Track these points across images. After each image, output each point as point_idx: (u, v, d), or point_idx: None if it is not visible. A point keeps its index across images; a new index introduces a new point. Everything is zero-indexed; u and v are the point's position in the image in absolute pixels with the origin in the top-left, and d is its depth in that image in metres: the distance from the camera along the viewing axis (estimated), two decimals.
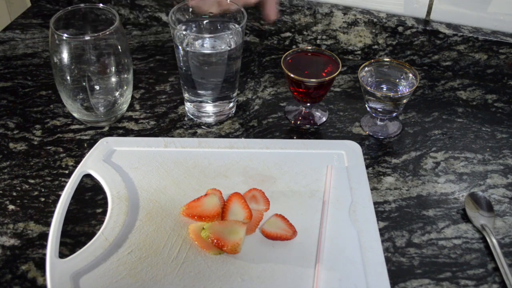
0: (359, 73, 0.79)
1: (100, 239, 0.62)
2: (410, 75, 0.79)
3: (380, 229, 0.66)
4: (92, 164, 0.71)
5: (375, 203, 0.69)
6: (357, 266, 0.60)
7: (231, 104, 0.83)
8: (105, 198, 0.68)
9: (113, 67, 0.76)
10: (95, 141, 0.76)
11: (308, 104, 0.82)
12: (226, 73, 0.77)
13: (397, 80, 0.80)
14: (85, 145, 0.78)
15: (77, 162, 0.74)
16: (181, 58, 0.76)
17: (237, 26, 0.77)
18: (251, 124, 0.82)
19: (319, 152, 0.75)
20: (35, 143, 0.78)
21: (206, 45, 0.76)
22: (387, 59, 0.81)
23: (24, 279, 0.61)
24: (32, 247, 0.64)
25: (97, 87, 0.77)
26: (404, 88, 0.79)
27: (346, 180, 0.71)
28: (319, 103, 0.84)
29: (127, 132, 0.80)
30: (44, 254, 0.62)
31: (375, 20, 0.91)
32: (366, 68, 0.80)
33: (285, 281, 0.59)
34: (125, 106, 0.81)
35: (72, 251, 0.62)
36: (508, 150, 0.78)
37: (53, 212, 0.66)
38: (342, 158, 0.74)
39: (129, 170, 0.71)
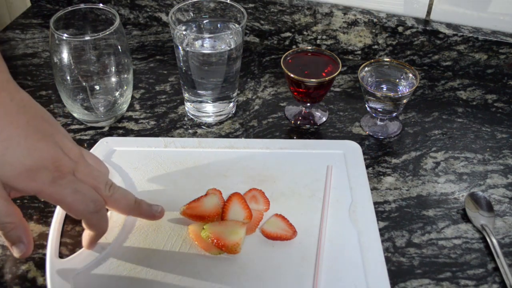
0: (359, 73, 0.79)
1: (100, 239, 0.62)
2: (410, 75, 0.79)
3: (380, 229, 0.66)
4: None
5: (375, 203, 0.69)
6: (357, 266, 0.60)
7: (231, 104, 0.83)
8: None
9: (113, 67, 0.76)
10: (95, 141, 0.76)
11: (308, 104, 0.82)
12: (226, 73, 0.77)
13: (397, 80, 0.80)
14: (85, 145, 0.78)
15: None
16: (181, 58, 0.76)
17: (237, 26, 0.77)
18: (251, 124, 0.82)
19: (319, 152, 0.75)
20: None
21: (206, 45, 0.76)
22: (387, 59, 0.81)
23: (24, 279, 0.61)
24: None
25: (97, 87, 0.77)
26: (404, 88, 0.79)
27: (346, 180, 0.71)
28: (319, 103, 0.84)
29: (127, 132, 0.80)
30: (44, 254, 0.62)
31: (375, 20, 0.91)
32: (366, 68, 0.80)
33: (285, 281, 0.59)
34: (125, 106, 0.81)
35: (72, 251, 0.62)
36: (508, 150, 0.78)
37: (53, 212, 0.66)
38: (342, 158, 0.74)
39: (129, 170, 0.71)
